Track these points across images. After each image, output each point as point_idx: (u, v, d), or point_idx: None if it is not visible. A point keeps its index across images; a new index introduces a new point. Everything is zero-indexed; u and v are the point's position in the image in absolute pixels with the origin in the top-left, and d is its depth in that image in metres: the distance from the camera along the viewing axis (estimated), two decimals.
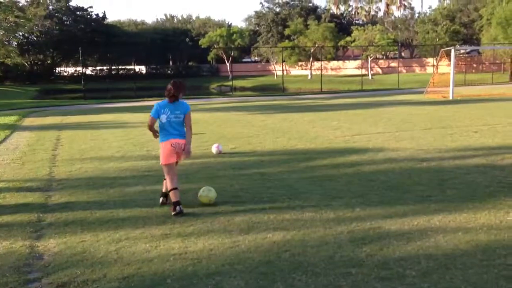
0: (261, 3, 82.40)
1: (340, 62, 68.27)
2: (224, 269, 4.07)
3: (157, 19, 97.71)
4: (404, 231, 4.89)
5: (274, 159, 9.01)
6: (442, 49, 29.60)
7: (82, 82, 37.10)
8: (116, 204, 6.13)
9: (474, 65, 52.96)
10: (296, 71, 62.85)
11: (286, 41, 62.37)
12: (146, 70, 68.79)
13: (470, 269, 3.92)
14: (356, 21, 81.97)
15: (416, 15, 77.06)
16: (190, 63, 75.02)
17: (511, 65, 45.06)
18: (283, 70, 45.84)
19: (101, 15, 67.01)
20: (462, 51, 52.27)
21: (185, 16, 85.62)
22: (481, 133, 11.26)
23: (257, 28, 78.03)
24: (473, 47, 47.93)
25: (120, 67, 66.93)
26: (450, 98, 23.01)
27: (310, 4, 78.69)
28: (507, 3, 45.96)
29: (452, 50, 24.70)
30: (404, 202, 5.89)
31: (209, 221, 5.35)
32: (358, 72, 49.22)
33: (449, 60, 25.30)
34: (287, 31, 63.36)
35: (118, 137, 12.49)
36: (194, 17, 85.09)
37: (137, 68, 62.16)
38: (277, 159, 9.01)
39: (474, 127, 12.33)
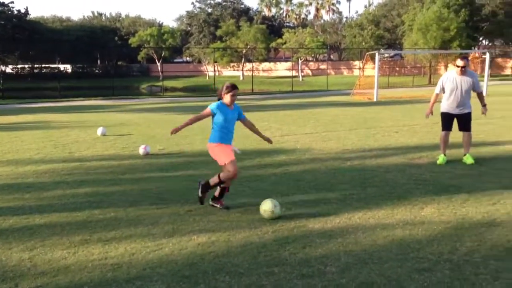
0: (193, 3, 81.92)
1: (272, 63, 69.20)
2: (146, 273, 3.97)
3: (83, 16, 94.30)
4: (327, 229, 5.01)
5: (203, 160, 8.93)
6: (367, 53, 30.80)
7: (1, 81, 35.03)
8: (32, 209, 5.81)
9: (397, 69, 55.58)
10: (228, 72, 63.00)
11: (218, 42, 62.39)
12: (72, 69, 66.18)
13: (386, 263, 4.08)
14: (287, 24, 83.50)
15: (344, 19, 79.72)
16: (119, 63, 73.02)
17: (430, 69, 47.70)
18: (214, 70, 45.77)
19: (23, 10, 63.61)
20: (386, 55, 54.69)
21: (113, 14, 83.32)
22: (401, 133, 11.81)
23: (189, 28, 77.43)
24: (396, 52, 50.30)
25: (43, 65, 63.90)
26: (375, 99, 23.98)
27: (242, 6, 79.12)
28: (427, 10, 48.60)
29: (377, 54, 25.76)
30: (328, 201, 6.03)
31: (132, 225, 5.21)
32: (289, 73, 50.04)
33: (374, 63, 26.35)
34: (219, 32, 63.37)
35: (38, 139, 11.89)
36: (123, 15, 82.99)
37: (62, 66, 59.65)
38: (206, 160, 8.91)
39: (395, 128, 12.90)
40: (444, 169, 7.75)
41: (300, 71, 59.23)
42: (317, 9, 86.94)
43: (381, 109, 18.87)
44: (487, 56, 28.36)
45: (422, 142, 10.39)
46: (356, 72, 53.04)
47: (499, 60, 61.95)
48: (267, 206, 5.32)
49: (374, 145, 10.21)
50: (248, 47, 57.22)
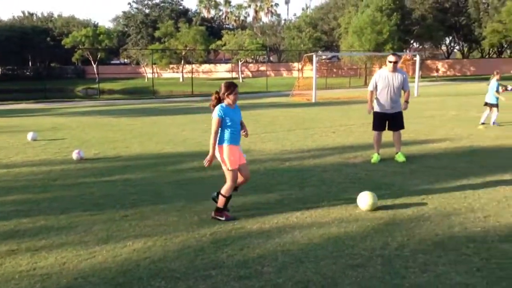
0: (129, 3, 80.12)
1: (212, 65, 69.03)
2: (77, 283, 3.83)
3: (13, 16, 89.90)
4: (264, 229, 5.04)
5: (140, 164, 8.75)
6: (305, 55, 31.38)
7: None
8: None
9: (335, 70, 56.99)
10: (167, 74, 62.13)
11: (157, 43, 61.42)
12: (1, 71, 62.95)
13: (322, 261, 4.16)
14: (227, 26, 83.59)
15: (283, 22, 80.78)
16: (52, 64, 70.23)
17: (366, 70, 49.28)
18: (153, 72, 45.02)
19: None
20: (323, 57, 55.90)
21: (45, 14, 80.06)
22: (338, 133, 12.11)
23: (126, 29, 75.77)
24: (333, 54, 51.53)
25: None
26: (313, 100, 24.47)
27: (181, 7, 78.34)
28: (362, 13, 50.20)
29: (314, 56, 26.30)
30: (267, 202, 6.08)
31: (63, 233, 5.00)
32: (229, 75, 50.14)
33: (312, 65, 26.89)
34: (157, 33, 62.42)
35: None
36: (56, 15, 79.90)
37: None
38: (143, 164, 8.77)
39: (332, 128, 13.21)
40: (378, 167, 8.02)
41: (240, 72, 59.45)
42: (256, 12, 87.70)
43: (319, 110, 19.28)
44: (417, 58, 29.69)
45: (358, 142, 10.70)
46: (295, 73, 53.92)
47: (429, 62, 65.03)
48: (371, 201, 5.50)
49: (312, 145, 10.40)
50: (188, 48, 56.75)
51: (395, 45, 48.51)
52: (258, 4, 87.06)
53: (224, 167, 5.39)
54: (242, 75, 59.57)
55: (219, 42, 59.37)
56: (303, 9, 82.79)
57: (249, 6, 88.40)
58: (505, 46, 64.36)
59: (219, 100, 5.41)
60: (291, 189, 6.69)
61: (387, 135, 8.77)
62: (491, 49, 66.36)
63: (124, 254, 4.42)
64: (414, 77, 29.26)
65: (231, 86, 5.37)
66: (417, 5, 60.75)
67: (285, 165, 8.40)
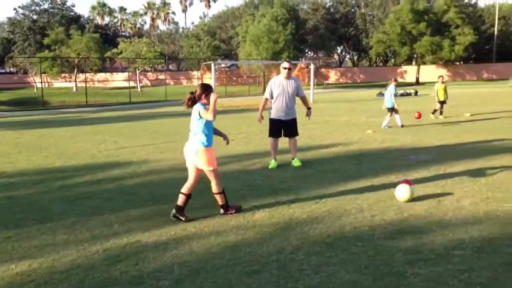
0: (15, 9, 74.98)
1: (108, 74, 66.65)
2: None
3: None
4: (161, 242, 4.91)
5: (27, 180, 8.16)
6: (204, 63, 31.43)
7: None
8: None
9: (234, 78, 57.77)
10: (59, 83, 58.92)
11: (46, 51, 58.05)
12: None
13: (219, 270, 4.14)
14: (123, 33, 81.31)
15: (181, 30, 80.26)
16: None
17: (264, 78, 50.48)
18: (42, 82, 42.42)
19: None
20: (223, 65, 56.41)
21: None
22: (237, 141, 12.23)
23: (12, 36, 70.77)
24: (232, 62, 52.24)
25: None
26: None
27: (72, 13, 74.82)
28: (258, 23, 51.45)
29: (212, 64, 26.44)
30: (164, 213, 5.94)
31: None
32: (127, 84, 48.69)
33: (211, 73, 26.99)
34: (46, 41, 59.06)
35: None
36: None
37: None
38: (30, 180, 8.18)
39: (232, 136, 13.26)
40: (275, 173, 8.20)
41: (138, 81, 58.01)
42: (153, 19, 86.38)
43: (219, 118, 19.24)
44: (312, 67, 31.02)
45: (256, 149, 10.88)
46: (195, 82, 53.78)
47: (323, 70, 68.28)
48: (408, 194, 5.99)
49: None
50: (81, 56, 54.28)
51: (291, 54, 50.33)
52: (155, 11, 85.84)
53: (207, 168, 5.67)
54: (141, 84, 58.21)
55: (114, 50, 57.48)
56: (200, 18, 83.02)
57: (145, 13, 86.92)
58: (390, 55, 69.50)
59: (194, 100, 5.60)
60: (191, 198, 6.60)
61: (285, 141, 9.00)
62: (377, 58, 71.23)
63: (7, 279, 4.07)
64: (310, 85, 30.50)
65: (208, 88, 5.67)
66: (310, 16, 63.65)
67: (184, 175, 8.25)
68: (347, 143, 11.37)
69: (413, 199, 6.14)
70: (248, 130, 14.70)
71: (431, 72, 53.09)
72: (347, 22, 67.19)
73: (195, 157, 5.68)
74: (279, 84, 8.53)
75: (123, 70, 67.86)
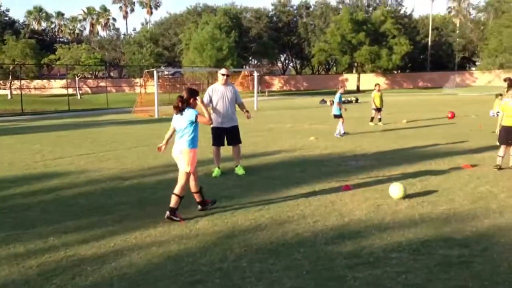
0: None
1: (45, 81, 64.22)
2: None
3: None
4: (100, 254, 4.76)
5: None
6: (146, 71, 30.95)
7: None
8: None
9: (178, 86, 57.17)
10: None
11: None
12: None
13: (160, 282, 4.05)
14: (61, 39, 78.78)
15: (122, 36, 78.74)
16: None
17: (208, 86, 50.37)
18: None
19: None
20: (166, 73, 55.78)
21: None
22: None
23: None
24: (175, 69, 51.66)
25: None
26: (156, 116, 24.18)
27: (7, 18, 71.69)
28: (202, 30, 51.33)
29: (155, 72, 26.07)
30: (104, 224, 5.76)
31: None
32: (66, 91, 47.09)
33: (154, 80, 26.61)
34: None
35: None
36: None
37: None
38: None
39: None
40: (219, 181, 8.17)
41: (78, 88, 56.23)
42: (93, 25, 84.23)
43: (162, 126, 19.07)
44: (255, 74, 31.27)
45: (199, 157, 10.73)
46: (138, 89, 52.83)
47: (267, 77, 69.01)
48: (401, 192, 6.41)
49: (154, 162, 10.20)
50: (16, 63, 51.97)
51: (234, 61, 50.50)
52: (94, 17, 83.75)
53: (184, 168, 5.88)
54: (80, 92, 56.43)
55: (52, 56, 55.43)
56: (142, 24, 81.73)
57: (85, 19, 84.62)
58: (331, 63, 71.30)
59: (183, 103, 5.87)
60: (131, 209, 6.46)
61: (229, 148, 8.98)
62: (320, 66, 72.88)
63: None
64: (253, 92, 30.71)
65: (195, 92, 6.00)
66: (253, 24, 64.25)
67: (125, 184, 8.10)
68: (291, 150, 11.51)
69: (353, 204, 6.29)
70: None
71: (370, 80, 54.89)
72: (289, 31, 68.37)
73: (179, 154, 5.93)
74: (217, 90, 8.55)
75: (61, 77, 65.59)
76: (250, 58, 68.47)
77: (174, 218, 5.76)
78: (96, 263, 4.51)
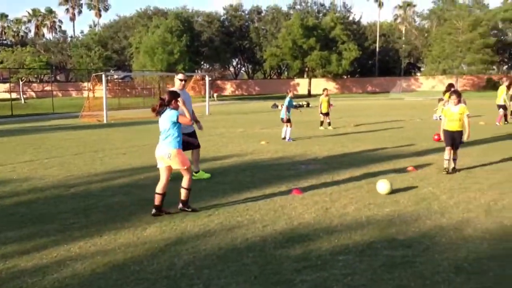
0: None
1: None
2: None
3: None
4: (41, 265, 4.57)
5: None
6: (93, 74, 30.20)
7: None
8: None
9: (128, 90, 56.11)
10: None
11: None
12: None
13: None
14: (4, 41, 75.74)
15: (69, 39, 76.58)
16: None
17: (160, 90, 49.63)
18: None
19: None
20: (115, 76, 54.61)
21: None
22: (130, 155, 11.85)
23: None
24: (125, 73, 50.80)
25: None
26: (105, 121, 23.61)
27: None
28: (152, 33, 50.67)
29: (103, 75, 25.47)
30: (46, 234, 5.54)
31: None
32: (8, 96, 45.15)
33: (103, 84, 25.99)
34: None
35: None
36: None
37: None
38: None
39: (123, 149, 12.88)
40: (170, 186, 8.02)
41: (21, 93, 54.07)
42: (38, 27, 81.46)
43: (111, 131, 18.67)
44: (207, 79, 31.15)
45: (150, 162, 10.59)
46: (86, 93, 51.44)
47: (219, 82, 68.91)
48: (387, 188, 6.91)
49: (100, 168, 9.95)
50: None
51: (186, 65, 50.16)
52: (40, 19, 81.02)
53: (181, 167, 6.17)
54: (25, 96, 54.30)
55: None
56: (90, 27, 79.68)
57: (30, 21, 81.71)
58: (283, 68, 72.09)
59: (161, 106, 6.12)
60: (75, 217, 6.25)
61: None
62: (271, 71, 73.52)
63: None
64: (205, 97, 30.56)
65: (177, 94, 6.27)
66: (205, 28, 64.06)
67: (70, 191, 7.84)
68: (242, 154, 11.51)
69: (302, 208, 6.36)
70: (142, 143, 14.32)
71: (321, 85, 55.88)
72: (241, 35, 68.62)
73: (168, 159, 6.13)
74: None
75: (4, 80, 62.86)
76: (202, 62, 68.22)
77: (187, 209, 6.30)
78: (37, 275, 4.33)
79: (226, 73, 77.52)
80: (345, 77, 65.61)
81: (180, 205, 6.35)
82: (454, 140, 8.61)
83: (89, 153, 12.33)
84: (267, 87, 65.11)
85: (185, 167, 6.20)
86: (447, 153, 8.66)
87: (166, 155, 6.11)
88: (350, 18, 66.27)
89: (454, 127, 8.62)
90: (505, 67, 70.10)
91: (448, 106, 8.93)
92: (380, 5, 73.06)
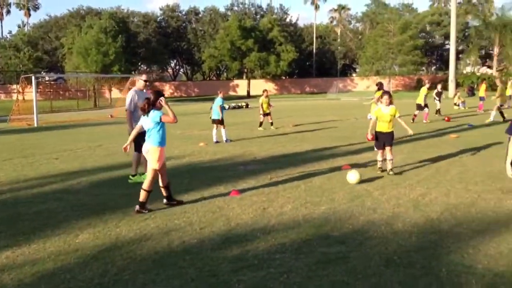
0: None
1: None
2: None
3: None
4: None
5: None
6: (22, 76, 28.85)
7: None
8: None
9: (61, 92, 54.07)
10: None
11: None
12: None
13: None
14: None
15: None
16: None
17: (95, 92, 48.16)
18: None
19: None
20: (47, 78, 52.44)
21: None
22: (62, 159, 11.41)
23: None
24: (58, 75, 48.85)
25: None
26: (35, 125, 22.61)
27: None
28: (85, 34, 49.07)
29: (33, 77, 24.39)
30: None
31: None
32: None
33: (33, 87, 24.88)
34: None
35: None
36: None
37: None
38: None
39: (55, 154, 12.38)
40: (104, 191, 7.82)
41: None
42: None
43: (43, 135, 17.89)
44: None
45: (84, 166, 10.27)
46: (15, 96, 48.99)
47: (157, 84, 67.78)
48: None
49: (31, 174, 9.51)
50: None
51: (122, 67, 49.01)
52: None
53: (152, 165, 6.31)
54: None
55: None
56: (19, 27, 75.97)
57: None
58: (222, 69, 72.02)
59: (149, 105, 6.35)
60: (2, 226, 5.93)
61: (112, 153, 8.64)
62: (210, 72, 73.25)
63: None
64: None
65: (161, 94, 6.50)
66: (141, 29, 62.87)
67: (3, 197, 7.43)
68: (180, 156, 11.38)
69: (240, 209, 6.38)
70: (76, 146, 13.82)
71: (260, 86, 56.34)
72: (179, 36, 67.92)
73: (145, 154, 6.45)
74: (140, 95, 8.53)
75: None
76: (139, 63, 66.81)
77: (143, 211, 6.29)
78: None
79: (165, 75, 76.42)
80: (284, 78, 66.53)
81: (137, 207, 6.38)
82: (385, 140, 8.65)
83: (19, 158, 11.76)
84: (207, 89, 64.80)
85: (153, 167, 6.34)
86: (380, 154, 8.76)
87: (145, 150, 6.45)
88: (287, 20, 67.29)
89: (385, 128, 8.60)
90: (433, 68, 73.74)
91: (379, 107, 8.99)
92: (317, 7, 74.78)
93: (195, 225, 5.73)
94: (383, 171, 8.71)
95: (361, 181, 7.83)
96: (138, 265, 4.49)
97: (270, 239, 5.15)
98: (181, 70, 77.71)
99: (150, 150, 6.37)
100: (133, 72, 54.58)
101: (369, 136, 8.90)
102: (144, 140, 8.45)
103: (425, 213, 5.96)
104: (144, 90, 8.74)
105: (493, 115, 17.82)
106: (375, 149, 8.96)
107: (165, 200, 6.69)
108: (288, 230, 5.46)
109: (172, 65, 75.72)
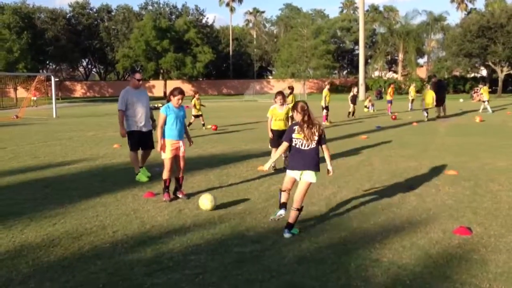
0: None
1: None
2: None
3: None
4: None
5: None
6: None
7: None
8: None
9: None
10: None
11: None
12: None
13: None
14: None
15: None
16: None
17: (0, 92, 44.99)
18: None
19: None
20: None
21: None
22: None
23: None
24: None
25: None
26: None
27: None
28: None
29: None
30: None
31: None
32: None
33: None
34: None
35: None
36: None
37: None
38: None
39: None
40: (7, 196, 7.34)
41: None
42: None
43: None
44: (53, 79, 29.08)
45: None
46: None
47: (68, 83, 64.79)
48: (209, 204, 6.23)
49: None
50: None
51: (29, 65, 46.35)
52: None
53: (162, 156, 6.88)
54: None
55: None
56: None
57: None
58: (137, 69, 70.29)
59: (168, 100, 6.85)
60: None
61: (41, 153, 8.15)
62: (125, 72, 71.22)
63: None
64: (51, 99, 28.50)
65: (174, 90, 6.91)
66: (49, 25, 59.73)
67: None
68: (92, 158, 10.97)
69: (155, 211, 6.27)
70: None
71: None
72: (91, 35, 65.37)
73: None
74: (132, 94, 8.39)
75: None
76: (48, 62, 63.45)
77: (165, 198, 6.86)
78: None
79: (76, 74, 73.20)
80: (201, 79, 66.31)
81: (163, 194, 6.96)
82: (280, 138, 8.91)
83: None
84: (121, 89, 62.86)
85: (162, 157, 6.95)
86: (273, 152, 8.97)
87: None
88: (203, 22, 67.17)
89: (280, 126, 8.99)
90: (345, 72, 77.13)
91: (274, 106, 9.27)
92: (232, 10, 75.32)
93: (108, 229, 5.55)
94: (276, 169, 8.99)
95: (277, 182, 8.00)
96: (45, 273, 4.27)
97: (186, 240, 5.12)
98: (94, 69, 74.87)
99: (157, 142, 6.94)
100: (41, 71, 51.72)
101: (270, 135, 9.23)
102: (142, 140, 8.59)
103: (336, 211, 6.22)
104: (140, 88, 8.63)
105: (488, 108, 23.24)
106: (269, 146, 9.32)
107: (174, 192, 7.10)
108: (204, 230, 5.45)
109: (84, 64, 72.71)
